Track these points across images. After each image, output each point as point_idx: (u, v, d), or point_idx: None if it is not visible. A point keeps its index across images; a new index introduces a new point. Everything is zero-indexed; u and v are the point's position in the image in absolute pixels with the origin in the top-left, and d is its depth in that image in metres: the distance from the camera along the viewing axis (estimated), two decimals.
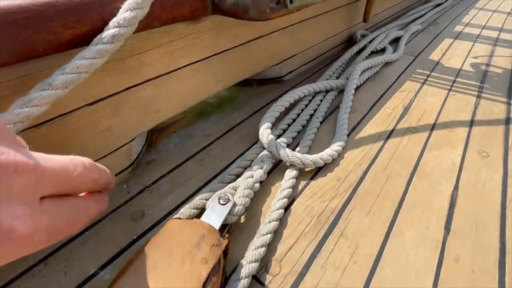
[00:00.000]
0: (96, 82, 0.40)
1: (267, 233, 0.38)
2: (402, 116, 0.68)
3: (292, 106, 0.66)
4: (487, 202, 0.47)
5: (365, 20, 1.03)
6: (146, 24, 0.39)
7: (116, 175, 0.47)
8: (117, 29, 0.34)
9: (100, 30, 0.34)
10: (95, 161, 0.24)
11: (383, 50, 1.02)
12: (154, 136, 0.58)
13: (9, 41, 0.28)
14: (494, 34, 1.29)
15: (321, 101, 0.70)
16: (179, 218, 0.35)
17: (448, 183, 0.50)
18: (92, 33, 0.34)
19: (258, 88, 0.78)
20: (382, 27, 1.20)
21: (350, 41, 1.07)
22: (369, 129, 0.63)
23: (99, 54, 0.33)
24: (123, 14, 0.34)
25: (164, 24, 0.43)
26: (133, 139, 0.48)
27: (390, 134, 0.62)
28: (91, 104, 0.40)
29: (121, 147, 0.46)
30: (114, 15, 0.34)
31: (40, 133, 0.36)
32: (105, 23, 0.34)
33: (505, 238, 0.41)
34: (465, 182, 0.50)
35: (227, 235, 0.35)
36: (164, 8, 0.40)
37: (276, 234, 0.40)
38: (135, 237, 0.40)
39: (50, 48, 0.31)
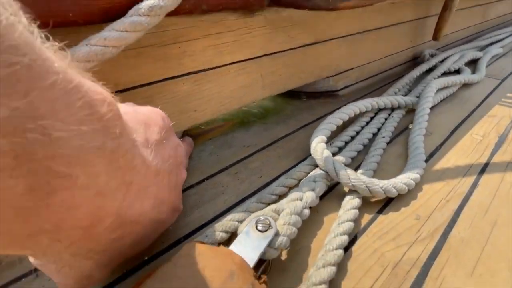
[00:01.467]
0: (130, 67, 0.35)
1: (320, 283, 0.26)
2: (498, 146, 0.52)
3: (350, 122, 0.55)
4: None
5: (435, 38, 0.90)
6: (193, 5, 0.34)
7: None
8: (156, 0, 0.28)
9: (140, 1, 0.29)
10: None
11: (457, 72, 0.87)
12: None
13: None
14: None
15: (386, 119, 0.58)
16: (202, 242, 0.25)
17: None
18: (132, 5, 0.29)
19: (309, 101, 0.69)
20: (454, 46, 1.05)
21: (416, 60, 0.94)
22: (453, 157, 0.49)
23: (131, 27, 0.28)
24: None
25: (214, 10, 0.37)
26: None
27: (485, 167, 0.46)
28: (122, 91, 0.35)
29: None
30: None
31: None
32: None
33: None
34: None
35: (264, 277, 0.25)
36: None
37: (333, 285, 0.28)
38: (146, 258, 0.31)
39: (81, 15, 0.27)
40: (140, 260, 0.31)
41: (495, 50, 1.04)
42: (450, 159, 0.49)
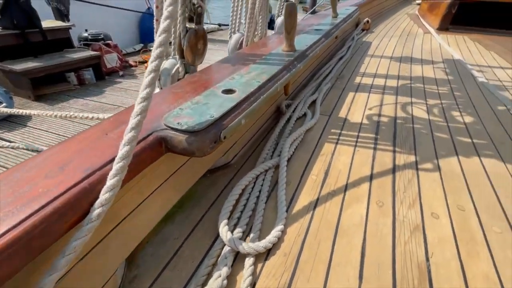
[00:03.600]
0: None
1: None
2: (324, 181, 0.89)
3: (243, 192, 0.82)
4: (383, 246, 0.68)
5: (286, 94, 1.29)
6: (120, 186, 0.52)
7: None
8: (100, 208, 0.47)
9: (88, 211, 0.46)
10: None
11: (305, 115, 1.28)
12: (132, 252, 0.68)
13: (26, 251, 0.39)
14: (382, 81, 1.70)
15: (264, 180, 0.88)
16: None
17: (359, 236, 0.70)
18: (83, 216, 0.46)
19: (212, 176, 0.93)
20: (301, 90, 1.49)
21: (278, 110, 1.32)
22: (302, 200, 0.83)
23: (89, 231, 0.45)
24: (104, 195, 0.47)
25: (133, 178, 0.56)
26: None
27: (317, 201, 0.82)
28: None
29: (109, 279, 0.56)
30: (97, 197, 0.47)
31: None
32: (91, 205, 0.47)
33: (395, 274, 0.61)
34: (370, 232, 0.71)
35: None
36: (131, 171, 0.54)
37: None
38: None
39: (55, 238, 0.43)
40: None
41: (325, 87, 1.53)
42: (300, 201, 0.82)
